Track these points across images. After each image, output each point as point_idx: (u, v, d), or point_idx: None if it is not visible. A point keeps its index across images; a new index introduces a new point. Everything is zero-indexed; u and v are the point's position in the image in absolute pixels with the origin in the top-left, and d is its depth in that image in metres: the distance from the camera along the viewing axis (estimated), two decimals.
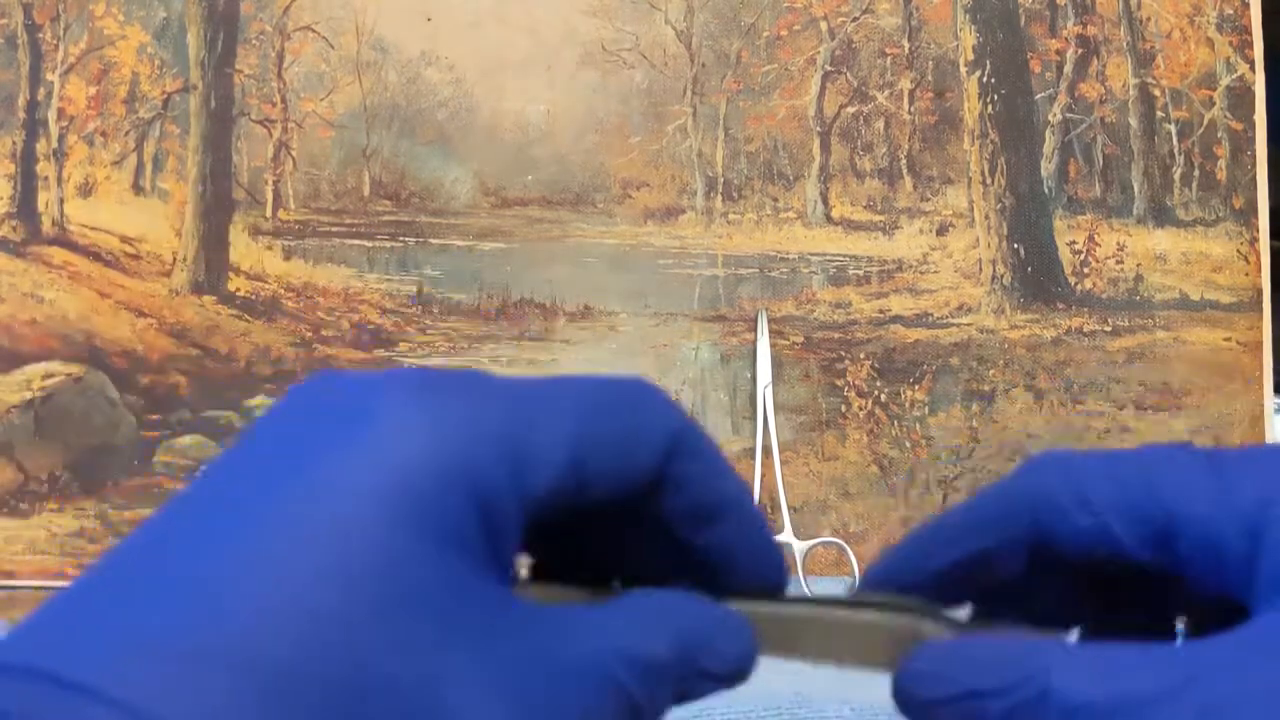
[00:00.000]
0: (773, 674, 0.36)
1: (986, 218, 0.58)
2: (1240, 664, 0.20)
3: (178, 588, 0.17)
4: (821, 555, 0.54)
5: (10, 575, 0.51)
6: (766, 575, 0.23)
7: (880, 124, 0.59)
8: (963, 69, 0.59)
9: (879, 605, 0.24)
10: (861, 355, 0.57)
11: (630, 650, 0.20)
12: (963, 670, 0.22)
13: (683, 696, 0.21)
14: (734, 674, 0.22)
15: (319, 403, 0.20)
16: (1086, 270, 0.58)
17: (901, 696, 0.23)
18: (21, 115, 0.56)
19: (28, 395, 0.53)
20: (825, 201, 0.58)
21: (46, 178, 0.55)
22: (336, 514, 0.18)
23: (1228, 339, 0.57)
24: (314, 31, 0.57)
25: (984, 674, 0.21)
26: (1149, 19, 0.59)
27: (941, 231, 0.58)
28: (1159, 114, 0.59)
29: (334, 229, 0.56)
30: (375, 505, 0.18)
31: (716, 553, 0.22)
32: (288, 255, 0.56)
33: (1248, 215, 0.59)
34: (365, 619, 0.17)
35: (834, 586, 0.51)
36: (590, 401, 0.21)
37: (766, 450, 0.54)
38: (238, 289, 0.55)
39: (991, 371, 0.57)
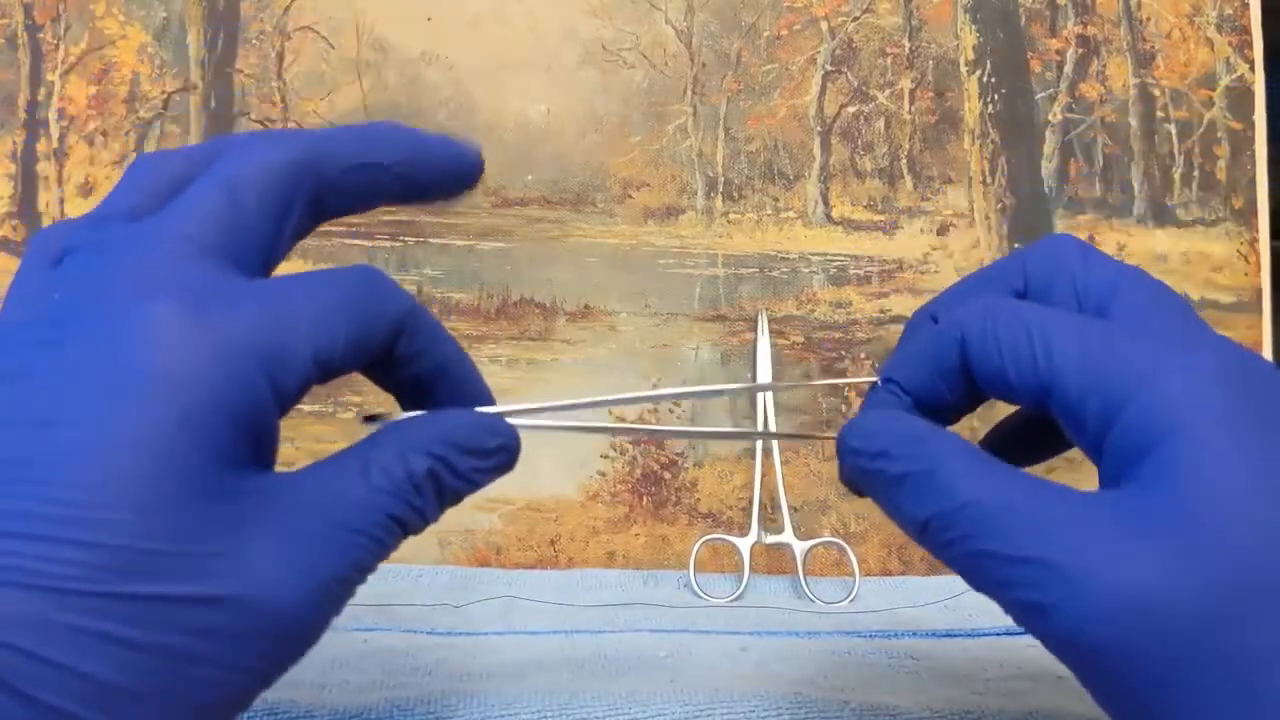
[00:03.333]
0: (774, 676, 0.37)
1: (987, 218, 0.58)
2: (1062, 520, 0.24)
3: None
4: (822, 555, 0.54)
5: None
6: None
7: (880, 124, 0.59)
8: (963, 69, 0.59)
9: None
10: (862, 355, 0.57)
11: (388, 479, 0.24)
12: (884, 434, 0.27)
13: (454, 498, 0.26)
14: (499, 465, 0.27)
15: (85, 295, 0.22)
16: None
17: (839, 441, 0.28)
18: (22, 115, 0.56)
19: None
20: (825, 201, 0.58)
21: (47, 178, 0.55)
22: (120, 435, 0.20)
23: (1228, 338, 0.57)
24: (314, 31, 0.57)
25: (896, 442, 0.26)
26: (1149, 19, 0.59)
27: (942, 231, 0.58)
28: (1159, 114, 0.59)
29: (334, 228, 0.56)
30: (155, 431, 0.21)
31: (442, 405, 0.27)
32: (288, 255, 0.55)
33: (1248, 215, 0.59)
34: (153, 515, 0.20)
35: (835, 587, 0.51)
36: (327, 301, 0.24)
37: (767, 450, 0.54)
38: None
39: None
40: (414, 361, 0.26)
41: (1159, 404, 0.24)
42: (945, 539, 0.25)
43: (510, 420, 0.27)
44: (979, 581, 0.25)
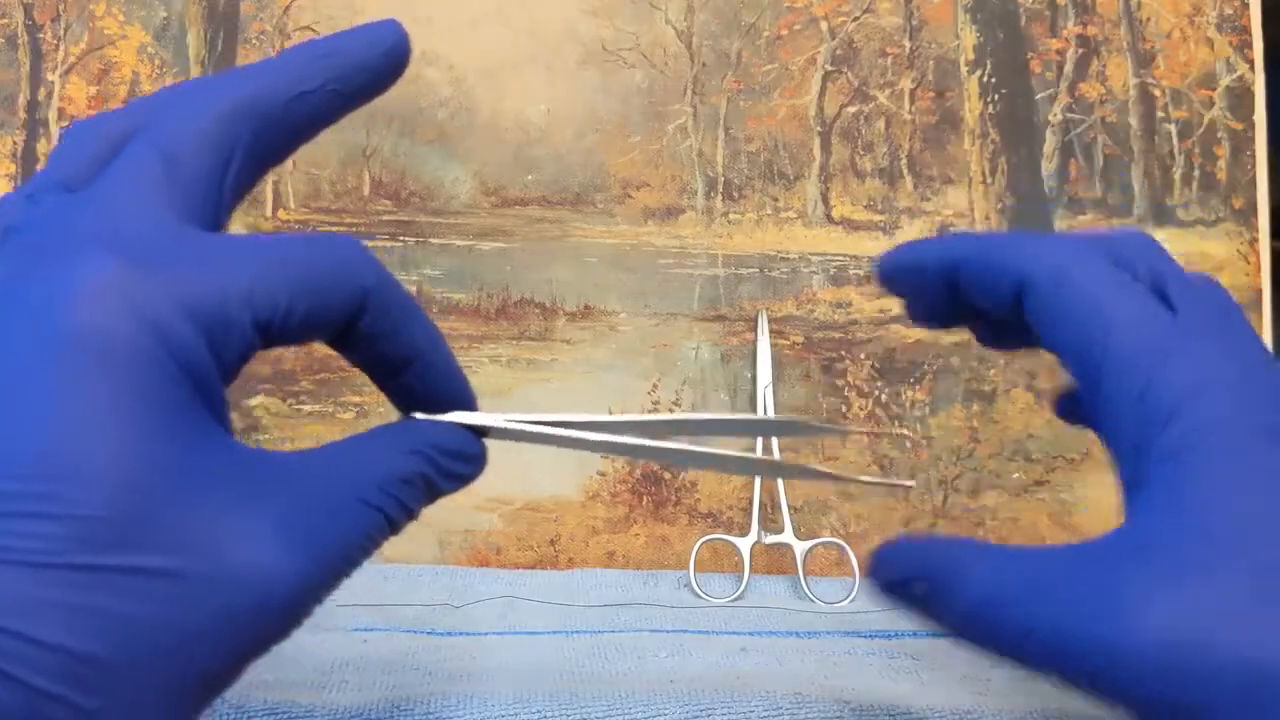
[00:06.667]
0: (774, 676, 0.37)
1: (987, 218, 0.58)
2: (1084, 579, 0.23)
3: None
4: (822, 555, 0.54)
5: None
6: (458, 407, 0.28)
7: (881, 124, 0.59)
8: (963, 69, 0.59)
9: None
10: (862, 355, 0.56)
11: (376, 474, 0.24)
12: (901, 561, 0.28)
13: (434, 496, 0.26)
14: (470, 474, 0.27)
15: (21, 268, 0.22)
16: None
17: (868, 577, 0.29)
18: (22, 115, 0.56)
19: None
20: (825, 201, 0.58)
21: None
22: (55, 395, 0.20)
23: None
24: (314, 31, 0.57)
25: (914, 564, 0.27)
26: (1149, 19, 0.59)
27: (942, 231, 0.58)
28: (1159, 114, 0.59)
29: (334, 229, 0.56)
30: (82, 385, 0.20)
31: (413, 391, 0.27)
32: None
33: (1248, 215, 0.59)
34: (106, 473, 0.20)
35: (835, 587, 0.51)
36: (274, 265, 0.23)
37: (767, 450, 0.53)
38: None
39: (992, 371, 0.57)
40: (380, 341, 0.25)
41: (1197, 424, 0.24)
42: (981, 638, 0.25)
43: (501, 426, 0.27)
44: (1032, 666, 0.25)
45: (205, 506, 0.21)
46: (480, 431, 0.27)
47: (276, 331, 0.23)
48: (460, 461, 0.27)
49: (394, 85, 0.28)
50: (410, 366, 0.26)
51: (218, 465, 0.22)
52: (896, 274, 0.32)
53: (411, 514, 0.25)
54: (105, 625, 0.19)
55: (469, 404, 0.28)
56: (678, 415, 0.30)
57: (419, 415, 0.27)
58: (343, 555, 0.23)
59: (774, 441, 0.53)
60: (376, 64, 0.28)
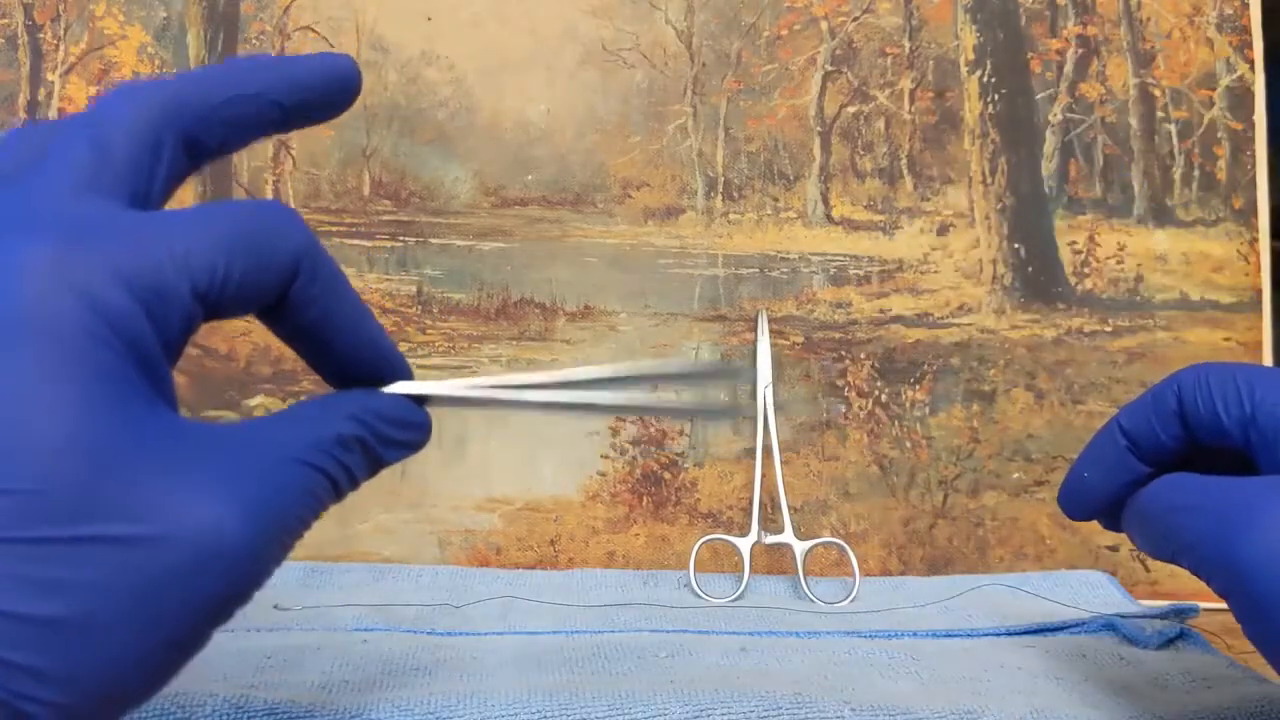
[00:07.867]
0: (773, 676, 0.37)
1: (987, 218, 0.58)
2: None
3: None
4: (822, 555, 0.54)
5: None
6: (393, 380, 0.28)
7: (881, 124, 0.59)
8: (963, 69, 0.59)
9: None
10: (862, 355, 0.57)
11: (314, 437, 0.25)
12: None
13: (377, 463, 0.27)
14: (413, 441, 0.28)
15: None
16: (1087, 270, 0.58)
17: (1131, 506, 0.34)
18: (22, 115, 0.56)
19: None
20: (825, 201, 0.58)
21: None
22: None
23: (1228, 339, 0.57)
24: (314, 31, 0.57)
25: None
26: (1149, 19, 0.59)
27: (942, 231, 0.58)
28: (1159, 114, 0.59)
29: (334, 229, 0.56)
30: (33, 364, 0.21)
31: (347, 365, 0.27)
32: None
33: (1248, 215, 0.59)
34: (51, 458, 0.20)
35: (835, 587, 0.51)
36: (209, 234, 0.24)
37: (767, 450, 0.53)
38: None
39: (992, 371, 0.57)
40: (312, 306, 0.26)
41: None
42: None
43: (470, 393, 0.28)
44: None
45: (147, 473, 0.21)
46: (421, 400, 0.28)
47: (215, 299, 0.24)
48: (400, 428, 0.27)
49: (345, 112, 0.29)
50: (342, 335, 0.27)
51: (159, 434, 0.22)
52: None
53: (354, 477, 0.26)
54: (61, 594, 0.20)
55: (405, 374, 0.28)
56: (610, 371, 0.29)
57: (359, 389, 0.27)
58: (286, 513, 0.24)
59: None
60: (319, 86, 0.28)
